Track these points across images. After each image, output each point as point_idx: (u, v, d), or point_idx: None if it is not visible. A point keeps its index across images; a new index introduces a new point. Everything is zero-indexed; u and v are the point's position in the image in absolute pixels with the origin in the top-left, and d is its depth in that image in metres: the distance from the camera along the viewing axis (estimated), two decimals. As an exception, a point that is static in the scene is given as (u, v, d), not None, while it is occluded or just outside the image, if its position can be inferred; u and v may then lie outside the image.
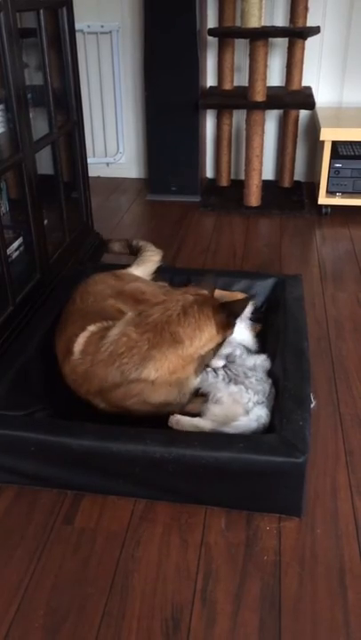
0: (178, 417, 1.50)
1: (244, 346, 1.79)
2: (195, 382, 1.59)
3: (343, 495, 1.45)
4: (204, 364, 1.59)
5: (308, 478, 1.40)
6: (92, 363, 1.54)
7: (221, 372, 1.63)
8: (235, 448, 1.34)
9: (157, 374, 1.50)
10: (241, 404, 1.51)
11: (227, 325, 1.58)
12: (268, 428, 1.48)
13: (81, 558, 1.30)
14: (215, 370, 1.64)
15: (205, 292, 1.65)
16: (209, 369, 1.63)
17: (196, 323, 1.53)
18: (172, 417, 1.50)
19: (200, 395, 1.61)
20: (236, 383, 1.58)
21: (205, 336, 1.54)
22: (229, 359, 1.70)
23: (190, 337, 1.52)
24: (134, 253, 2.14)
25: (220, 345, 1.60)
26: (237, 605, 1.20)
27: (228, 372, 1.63)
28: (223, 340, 1.60)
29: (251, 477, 1.35)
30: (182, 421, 1.49)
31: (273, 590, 1.22)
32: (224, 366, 1.66)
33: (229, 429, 1.46)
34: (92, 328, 1.62)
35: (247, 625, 1.16)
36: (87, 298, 1.79)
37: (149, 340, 1.50)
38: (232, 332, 1.63)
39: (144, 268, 2.05)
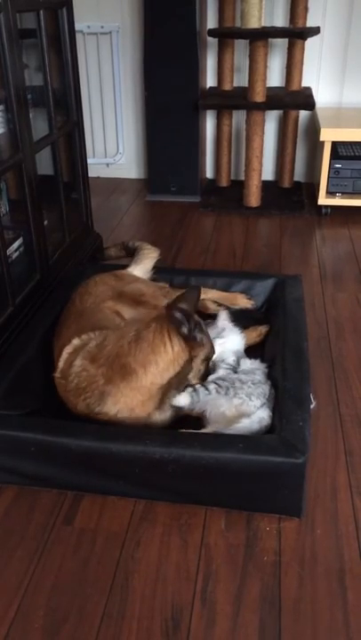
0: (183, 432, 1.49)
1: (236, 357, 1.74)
2: (161, 417, 1.50)
3: (343, 496, 1.45)
4: (171, 392, 1.48)
5: (307, 479, 1.40)
6: (66, 389, 1.53)
7: (213, 386, 1.52)
8: (234, 448, 1.34)
9: (117, 408, 1.45)
10: (246, 413, 1.50)
11: (189, 334, 1.43)
12: (269, 429, 1.48)
13: (81, 559, 1.30)
14: (205, 386, 1.53)
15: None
16: (198, 385, 1.52)
17: (150, 346, 1.41)
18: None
19: (196, 413, 1.54)
20: (236, 394, 1.52)
21: (163, 359, 1.42)
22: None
23: (143, 364, 1.41)
24: (131, 254, 2.14)
25: (192, 363, 1.47)
26: (237, 606, 1.20)
27: (222, 382, 1.55)
28: (201, 358, 1.48)
29: (250, 478, 1.34)
30: None
31: (273, 591, 1.22)
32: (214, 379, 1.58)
33: (230, 431, 1.46)
34: (75, 342, 1.58)
35: (247, 625, 1.16)
36: (87, 299, 1.78)
37: (104, 375, 1.45)
38: (209, 347, 1.50)
39: (142, 266, 2.05)
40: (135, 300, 1.82)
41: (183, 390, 1.50)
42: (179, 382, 1.50)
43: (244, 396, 1.50)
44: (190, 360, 1.49)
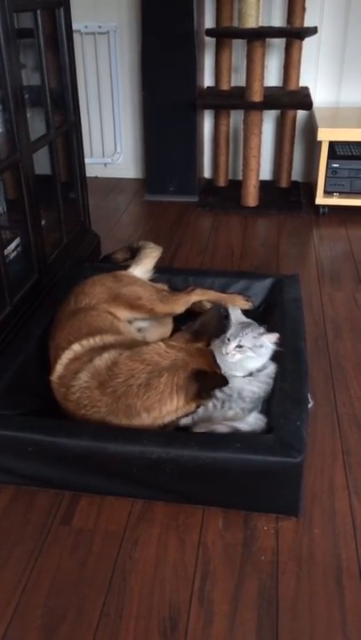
0: None
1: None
2: None
3: (340, 495, 1.45)
4: (172, 425, 1.50)
5: (305, 478, 1.40)
6: (64, 397, 1.53)
7: (210, 403, 1.54)
8: (232, 448, 1.34)
9: None
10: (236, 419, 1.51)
11: (198, 398, 1.47)
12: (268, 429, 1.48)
13: (79, 559, 1.30)
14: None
15: (201, 345, 1.54)
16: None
17: (158, 396, 1.44)
18: None
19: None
20: (230, 407, 1.54)
21: (167, 408, 1.45)
22: None
23: (148, 409, 1.44)
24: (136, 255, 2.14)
25: (190, 412, 1.50)
26: (235, 605, 1.20)
27: (219, 394, 1.55)
28: (196, 407, 1.50)
29: (248, 477, 1.35)
30: None
31: (270, 590, 1.23)
32: None
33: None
34: (76, 347, 1.59)
35: (245, 625, 1.16)
36: (82, 299, 1.78)
37: (108, 405, 1.46)
38: (208, 401, 1.52)
39: (143, 265, 2.04)
40: (131, 303, 1.82)
41: None
42: (177, 422, 1.52)
43: (238, 409, 1.52)
44: (196, 407, 1.51)
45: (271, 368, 1.65)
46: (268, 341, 1.62)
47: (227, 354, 1.60)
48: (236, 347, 1.59)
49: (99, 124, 3.66)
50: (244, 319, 1.69)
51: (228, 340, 1.62)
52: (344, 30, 3.21)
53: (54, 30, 2.15)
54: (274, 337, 1.62)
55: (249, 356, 1.60)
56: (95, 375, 1.50)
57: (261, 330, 1.64)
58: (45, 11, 2.04)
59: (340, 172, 2.98)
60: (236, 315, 1.69)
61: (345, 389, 1.82)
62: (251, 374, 1.63)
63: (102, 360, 1.52)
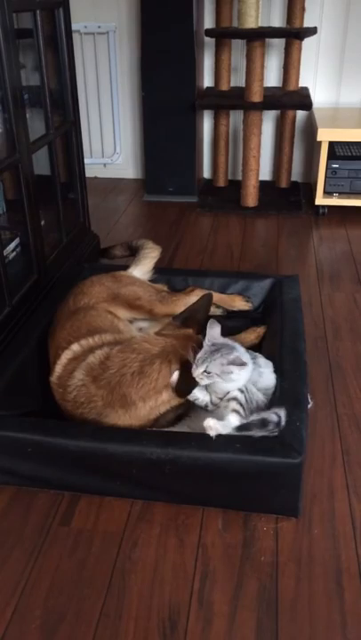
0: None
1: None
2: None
3: (340, 495, 1.45)
4: (168, 415, 1.49)
5: (304, 479, 1.40)
6: (63, 398, 1.54)
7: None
8: (231, 449, 1.34)
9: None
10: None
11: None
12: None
13: (78, 559, 1.30)
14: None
15: (190, 331, 1.54)
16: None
17: (152, 383, 1.44)
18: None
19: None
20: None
21: (163, 397, 1.45)
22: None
23: (143, 398, 1.44)
24: (134, 253, 2.14)
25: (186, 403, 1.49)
26: (234, 606, 1.20)
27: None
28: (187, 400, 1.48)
29: (248, 478, 1.35)
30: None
31: (270, 591, 1.23)
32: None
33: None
34: (75, 347, 1.59)
35: (244, 626, 1.16)
36: (81, 299, 1.78)
37: (103, 398, 1.46)
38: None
39: (142, 266, 2.05)
40: (130, 303, 1.82)
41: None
42: (176, 410, 1.51)
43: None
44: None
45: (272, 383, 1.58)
46: (238, 369, 1.46)
47: (194, 377, 1.47)
48: (204, 372, 1.46)
49: (98, 125, 3.66)
50: (220, 340, 1.53)
51: (197, 364, 1.48)
52: (344, 31, 3.22)
53: (54, 30, 2.15)
54: (242, 364, 1.47)
55: (217, 382, 1.47)
56: (89, 372, 1.51)
57: (232, 356, 1.46)
58: (45, 11, 2.04)
59: (339, 172, 2.99)
60: (212, 333, 1.53)
61: (344, 390, 1.82)
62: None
63: (95, 356, 1.53)
